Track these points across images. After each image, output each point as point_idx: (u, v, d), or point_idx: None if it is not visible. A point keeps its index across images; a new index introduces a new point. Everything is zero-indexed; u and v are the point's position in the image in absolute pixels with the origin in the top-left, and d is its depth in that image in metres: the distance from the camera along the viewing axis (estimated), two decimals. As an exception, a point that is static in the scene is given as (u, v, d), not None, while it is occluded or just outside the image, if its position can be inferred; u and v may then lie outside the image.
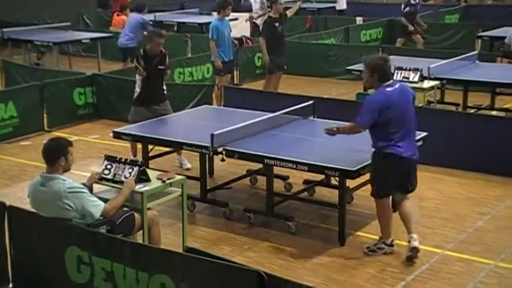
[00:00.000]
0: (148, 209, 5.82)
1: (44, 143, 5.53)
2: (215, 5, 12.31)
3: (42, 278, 5.47)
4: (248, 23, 16.55)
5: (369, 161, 6.30)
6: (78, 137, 10.43)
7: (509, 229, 7.05)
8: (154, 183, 5.94)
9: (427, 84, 10.11)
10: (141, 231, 5.77)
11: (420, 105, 10.06)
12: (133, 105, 8.66)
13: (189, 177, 6.89)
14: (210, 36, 11.38)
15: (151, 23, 14.97)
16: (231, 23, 12.28)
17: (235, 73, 13.66)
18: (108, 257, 5.03)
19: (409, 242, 6.27)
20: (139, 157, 8.06)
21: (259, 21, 16.14)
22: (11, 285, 5.65)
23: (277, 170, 7.15)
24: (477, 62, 11.62)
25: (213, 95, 10.92)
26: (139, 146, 8.35)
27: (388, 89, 6.12)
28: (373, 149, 6.21)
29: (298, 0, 12.87)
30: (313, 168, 6.55)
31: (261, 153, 6.82)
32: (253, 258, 6.43)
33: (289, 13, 12.18)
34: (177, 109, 9.20)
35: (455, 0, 23.11)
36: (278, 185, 7.70)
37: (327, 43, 16.05)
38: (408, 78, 9.92)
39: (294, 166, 6.60)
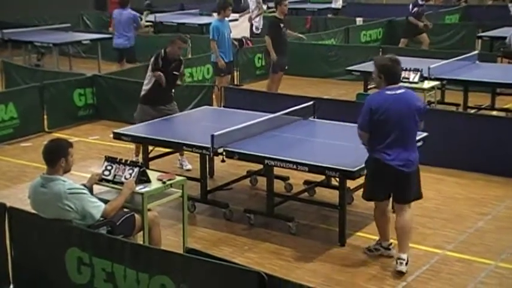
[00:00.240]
0: (149, 210, 5.82)
1: (44, 144, 5.53)
2: (215, 5, 12.32)
3: (42, 279, 5.47)
4: (249, 23, 16.56)
5: (369, 162, 6.28)
6: (78, 138, 10.44)
7: (510, 229, 7.05)
8: (155, 184, 5.94)
9: (427, 84, 10.10)
10: (141, 232, 5.77)
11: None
12: (140, 103, 8.63)
13: (189, 178, 6.89)
14: (210, 37, 11.40)
15: (139, 15, 14.86)
16: (231, 23, 12.29)
17: (235, 74, 13.66)
18: (108, 258, 5.02)
19: (396, 262, 6.10)
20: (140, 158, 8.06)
21: (256, 21, 16.16)
22: (11, 286, 5.65)
23: (277, 170, 7.15)
24: (477, 62, 11.62)
25: (213, 96, 10.92)
26: (130, 146, 8.33)
27: (388, 92, 5.89)
28: None
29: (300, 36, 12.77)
30: (313, 168, 6.55)
31: (261, 154, 6.82)
32: (253, 259, 6.43)
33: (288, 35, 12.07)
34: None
35: (456, 1, 23.11)
36: (278, 186, 7.70)
37: (327, 44, 16.05)
38: (408, 78, 9.92)
39: (295, 167, 6.60)
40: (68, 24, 17.41)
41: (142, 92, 8.60)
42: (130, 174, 5.87)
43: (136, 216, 5.72)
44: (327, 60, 14.83)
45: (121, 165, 5.98)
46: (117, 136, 7.88)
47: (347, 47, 15.93)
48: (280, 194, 7.51)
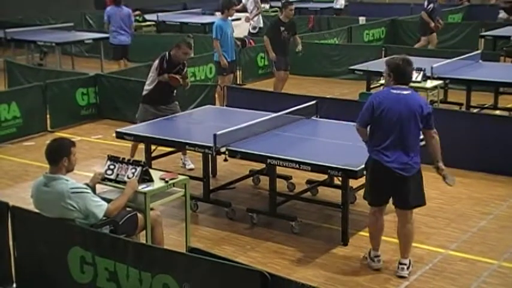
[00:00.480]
0: (151, 209, 5.82)
1: (47, 144, 5.54)
2: (218, 5, 12.34)
3: (45, 278, 5.48)
4: (248, 23, 16.57)
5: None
6: (81, 137, 10.45)
7: (513, 229, 7.05)
8: (157, 184, 5.94)
9: (430, 84, 10.10)
10: (144, 232, 5.77)
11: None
12: (142, 103, 8.63)
13: (192, 178, 6.90)
14: (213, 36, 11.41)
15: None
16: (233, 23, 12.30)
17: (237, 73, 13.66)
18: (111, 257, 5.03)
19: (397, 267, 6.07)
20: (137, 158, 8.04)
21: (254, 21, 16.15)
22: (14, 285, 5.66)
23: (280, 170, 7.15)
24: (480, 61, 11.61)
25: (216, 95, 10.92)
26: (140, 146, 8.33)
27: (393, 91, 5.83)
28: None
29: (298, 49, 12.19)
30: (316, 168, 6.55)
31: (263, 153, 6.82)
32: (256, 258, 6.42)
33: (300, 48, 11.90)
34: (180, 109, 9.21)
35: (458, 0, 23.08)
36: (281, 185, 7.70)
37: (329, 43, 16.03)
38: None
39: (297, 166, 6.60)
40: (71, 24, 17.41)
41: (144, 92, 8.60)
42: (133, 174, 5.87)
43: (139, 215, 5.72)
44: (329, 59, 14.82)
45: (124, 164, 5.98)
46: (120, 135, 7.88)
47: (350, 46, 15.92)
48: (282, 194, 7.51)
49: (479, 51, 12.52)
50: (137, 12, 17.71)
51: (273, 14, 19.53)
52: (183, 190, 6.14)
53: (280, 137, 7.48)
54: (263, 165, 7.74)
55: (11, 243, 5.61)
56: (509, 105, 11.26)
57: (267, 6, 21.80)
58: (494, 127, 8.66)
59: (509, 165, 8.37)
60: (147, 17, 19.85)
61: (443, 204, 7.65)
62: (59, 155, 5.37)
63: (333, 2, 21.37)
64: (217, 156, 7.62)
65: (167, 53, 8.43)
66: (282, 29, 11.69)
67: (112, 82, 11.54)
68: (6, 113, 10.35)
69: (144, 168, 5.90)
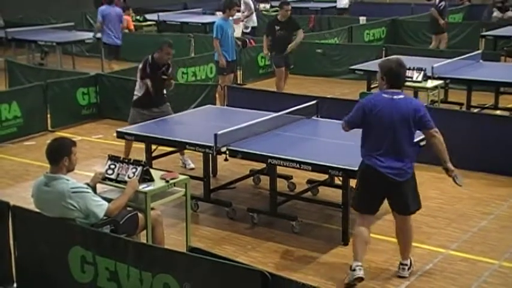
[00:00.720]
0: (152, 208, 5.83)
1: (48, 143, 5.54)
2: (218, 4, 12.36)
3: (46, 278, 5.48)
4: (238, 24, 16.57)
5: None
6: (81, 137, 10.45)
7: (514, 229, 7.05)
8: (158, 183, 5.94)
9: (430, 83, 10.09)
10: (144, 231, 5.77)
11: (424, 104, 10.07)
12: (132, 107, 8.64)
13: (192, 177, 6.90)
14: (214, 35, 11.42)
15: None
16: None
17: (238, 73, 13.67)
18: (111, 257, 5.03)
19: (398, 268, 6.05)
20: (136, 157, 8.04)
21: (245, 21, 16.15)
22: (15, 285, 5.66)
23: (280, 169, 7.15)
24: (481, 61, 11.61)
25: (217, 95, 10.93)
26: (140, 146, 8.33)
27: (385, 95, 5.70)
28: None
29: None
30: (316, 168, 6.55)
31: (264, 153, 6.82)
32: (257, 258, 6.43)
33: (289, 48, 11.85)
34: (180, 109, 9.22)
35: (459, 0, 23.07)
36: (281, 185, 7.70)
37: (330, 43, 16.04)
38: (412, 77, 9.92)
39: (298, 166, 6.60)
40: (71, 23, 17.42)
41: (135, 97, 8.61)
42: (134, 173, 5.87)
43: (140, 215, 5.72)
44: (330, 59, 14.82)
45: (124, 164, 5.98)
46: (121, 135, 7.89)
47: (350, 46, 15.92)
48: (283, 193, 7.51)
49: (479, 51, 12.51)
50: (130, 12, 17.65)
51: (273, 13, 19.54)
52: (184, 190, 6.15)
53: (280, 137, 7.48)
54: (264, 165, 7.74)
55: (11, 242, 5.61)
56: (509, 105, 11.25)
57: (267, 6, 21.81)
58: (494, 127, 8.66)
59: (509, 165, 8.36)
60: (147, 16, 19.87)
61: (444, 204, 7.65)
62: (60, 155, 5.37)
63: (335, 1, 21.36)
64: (218, 156, 7.62)
65: (150, 57, 8.46)
66: (277, 28, 11.84)
67: (113, 82, 11.55)
68: (7, 112, 10.35)
69: (144, 168, 5.91)
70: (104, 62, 14.39)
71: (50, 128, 10.87)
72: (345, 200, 6.65)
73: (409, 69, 9.97)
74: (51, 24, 18.46)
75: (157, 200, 5.92)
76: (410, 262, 6.05)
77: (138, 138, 7.89)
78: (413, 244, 6.17)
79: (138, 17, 19.37)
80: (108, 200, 5.54)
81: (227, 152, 6.99)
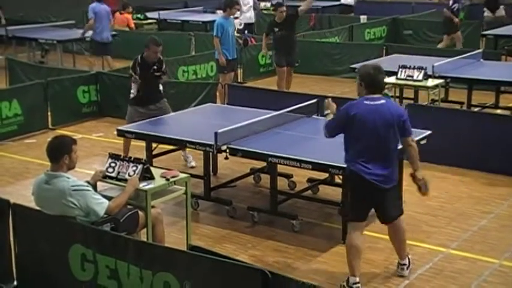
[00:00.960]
0: (152, 207, 5.83)
1: (48, 141, 5.54)
2: (219, 3, 12.36)
3: (46, 276, 5.48)
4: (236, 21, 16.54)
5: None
6: (82, 135, 10.45)
7: (514, 228, 7.05)
8: (158, 181, 5.95)
9: (431, 82, 10.09)
10: (145, 229, 5.78)
11: (424, 103, 10.08)
12: (129, 105, 8.64)
13: (192, 176, 6.90)
14: (214, 34, 11.42)
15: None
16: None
17: (239, 71, 13.67)
18: (112, 255, 5.03)
19: (397, 267, 6.04)
20: (137, 155, 8.04)
21: (241, 19, 16.13)
22: (15, 282, 5.66)
23: (281, 168, 7.15)
24: (481, 60, 11.60)
25: (217, 93, 10.92)
26: (140, 144, 8.34)
27: (367, 102, 5.59)
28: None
29: None
30: (317, 166, 6.55)
31: (264, 152, 6.82)
32: (257, 257, 6.43)
33: (300, 11, 12.10)
34: (180, 107, 9.22)
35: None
36: (282, 183, 7.70)
37: (331, 41, 16.03)
38: (412, 76, 9.93)
39: (298, 164, 6.60)
40: (72, 21, 17.41)
41: (131, 95, 8.60)
42: (134, 171, 5.87)
43: (140, 213, 5.72)
44: (331, 57, 14.82)
45: (125, 162, 5.99)
46: (121, 133, 7.89)
47: (351, 44, 15.91)
48: (283, 192, 7.51)
49: (480, 50, 12.51)
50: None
51: (274, 12, 19.50)
52: (184, 188, 6.15)
53: (281, 136, 7.48)
54: (264, 164, 7.73)
55: (12, 240, 5.61)
56: (510, 105, 11.24)
57: (268, 4, 21.78)
58: (495, 126, 8.66)
59: (510, 164, 8.36)
60: (148, 14, 19.86)
61: (444, 203, 7.65)
62: (60, 153, 5.38)
63: (334, 0, 21.28)
64: (218, 155, 7.62)
65: (139, 56, 8.45)
66: (276, 29, 11.92)
67: (113, 80, 11.55)
68: (7, 110, 10.36)
69: (145, 166, 5.91)
70: (88, 58, 14.40)
71: (50, 126, 10.87)
72: (345, 198, 6.65)
73: (410, 68, 10.01)
74: (52, 22, 18.44)
75: (157, 198, 5.93)
76: (409, 261, 6.05)
77: (139, 136, 7.89)
78: (413, 243, 6.18)
79: (138, 15, 19.36)
80: (109, 198, 5.55)
81: (227, 151, 6.99)
